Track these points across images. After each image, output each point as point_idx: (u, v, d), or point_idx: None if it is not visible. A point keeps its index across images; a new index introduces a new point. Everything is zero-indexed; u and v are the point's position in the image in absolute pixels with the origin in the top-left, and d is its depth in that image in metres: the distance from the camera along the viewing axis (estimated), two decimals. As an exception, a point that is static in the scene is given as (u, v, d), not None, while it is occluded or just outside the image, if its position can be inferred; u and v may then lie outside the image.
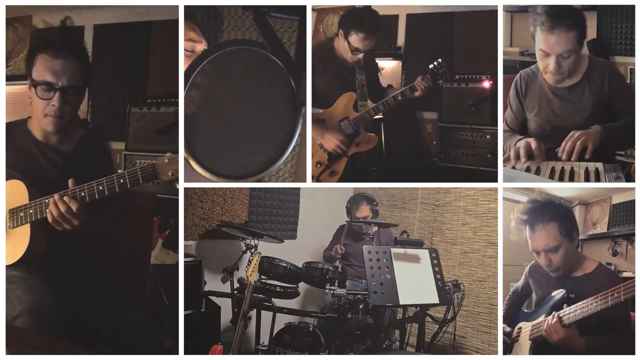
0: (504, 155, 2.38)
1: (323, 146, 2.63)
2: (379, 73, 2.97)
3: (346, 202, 3.31)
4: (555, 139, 2.32)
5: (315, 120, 2.57)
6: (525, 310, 2.20)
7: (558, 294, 2.01)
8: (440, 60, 2.59)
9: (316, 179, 2.64)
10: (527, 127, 2.46)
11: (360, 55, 2.62)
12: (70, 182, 1.87)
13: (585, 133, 2.18)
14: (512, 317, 2.25)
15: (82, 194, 1.84)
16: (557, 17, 2.08)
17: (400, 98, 2.60)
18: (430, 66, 2.59)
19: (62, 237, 1.94)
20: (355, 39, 2.55)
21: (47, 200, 1.88)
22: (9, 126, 2.14)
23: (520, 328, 2.15)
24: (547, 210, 2.04)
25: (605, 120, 2.25)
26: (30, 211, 1.91)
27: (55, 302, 1.88)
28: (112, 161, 2.38)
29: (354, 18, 2.56)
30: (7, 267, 1.93)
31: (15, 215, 1.95)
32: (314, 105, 2.62)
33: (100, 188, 1.82)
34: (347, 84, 2.67)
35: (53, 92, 1.98)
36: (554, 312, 1.94)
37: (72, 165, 2.07)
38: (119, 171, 1.85)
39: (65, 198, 1.84)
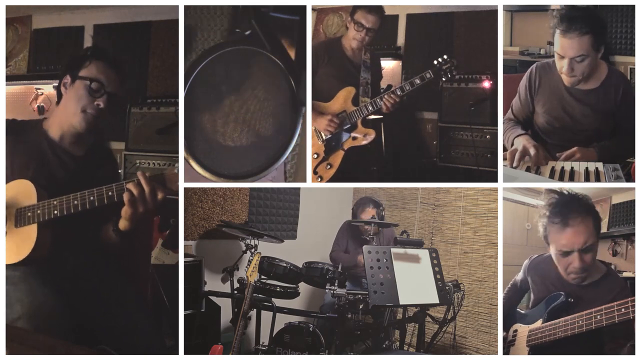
0: (503, 147, 2.38)
1: (319, 133, 2.68)
2: (380, 80, 2.99)
3: (352, 203, 3.32)
4: (562, 137, 2.34)
5: (314, 111, 2.65)
6: (521, 311, 2.17)
7: (557, 298, 1.96)
8: (445, 56, 2.58)
9: (313, 170, 2.69)
10: (534, 119, 2.44)
11: (363, 34, 2.68)
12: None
13: (585, 153, 2.21)
14: (509, 310, 2.22)
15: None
16: (572, 20, 2.06)
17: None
18: (435, 62, 2.59)
19: (67, 239, 1.93)
20: (359, 15, 2.66)
21: (55, 202, 1.87)
22: (22, 124, 2.12)
23: (517, 331, 2.11)
24: (580, 204, 1.93)
25: (608, 129, 2.28)
26: (38, 211, 1.90)
27: (57, 305, 1.87)
28: (116, 161, 2.40)
29: (360, 5, 2.71)
30: (9, 266, 1.91)
31: (22, 215, 1.93)
32: (315, 98, 2.67)
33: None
34: (350, 80, 2.73)
35: (101, 93, 2.02)
36: None
37: (81, 170, 2.06)
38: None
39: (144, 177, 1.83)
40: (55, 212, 1.88)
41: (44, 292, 1.89)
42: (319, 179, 2.71)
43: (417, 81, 2.58)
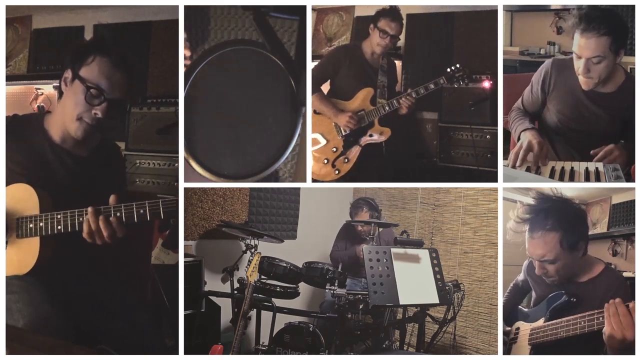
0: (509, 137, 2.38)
1: (339, 129, 2.81)
2: (396, 84, 3.11)
3: (349, 204, 3.33)
4: (570, 135, 2.33)
5: (335, 107, 2.82)
6: (524, 309, 2.16)
7: (558, 297, 1.94)
8: (458, 65, 2.71)
9: (331, 163, 2.82)
10: (543, 114, 2.43)
11: (387, 40, 2.82)
12: (112, 198, 1.77)
13: (620, 152, 2.18)
14: (511, 310, 2.21)
15: (118, 214, 1.75)
16: (591, 20, 2.04)
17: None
18: (448, 70, 2.72)
19: (68, 244, 1.86)
20: (383, 23, 2.80)
21: (59, 216, 1.80)
22: (22, 119, 2.02)
23: (519, 328, 2.10)
24: (553, 216, 1.86)
25: (616, 133, 2.27)
26: (41, 224, 1.81)
27: (57, 307, 1.83)
28: (125, 168, 2.32)
29: (382, 11, 2.84)
30: (10, 276, 1.85)
31: (24, 225, 1.84)
32: (336, 96, 2.87)
33: (142, 211, 1.74)
34: (368, 82, 2.86)
35: (100, 100, 1.85)
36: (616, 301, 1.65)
37: (85, 171, 1.98)
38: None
39: (101, 218, 1.74)
40: (59, 227, 1.79)
41: (44, 297, 1.84)
42: (337, 172, 2.83)
43: (432, 86, 2.73)
